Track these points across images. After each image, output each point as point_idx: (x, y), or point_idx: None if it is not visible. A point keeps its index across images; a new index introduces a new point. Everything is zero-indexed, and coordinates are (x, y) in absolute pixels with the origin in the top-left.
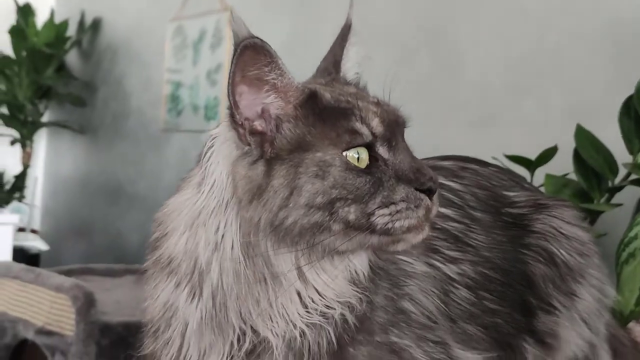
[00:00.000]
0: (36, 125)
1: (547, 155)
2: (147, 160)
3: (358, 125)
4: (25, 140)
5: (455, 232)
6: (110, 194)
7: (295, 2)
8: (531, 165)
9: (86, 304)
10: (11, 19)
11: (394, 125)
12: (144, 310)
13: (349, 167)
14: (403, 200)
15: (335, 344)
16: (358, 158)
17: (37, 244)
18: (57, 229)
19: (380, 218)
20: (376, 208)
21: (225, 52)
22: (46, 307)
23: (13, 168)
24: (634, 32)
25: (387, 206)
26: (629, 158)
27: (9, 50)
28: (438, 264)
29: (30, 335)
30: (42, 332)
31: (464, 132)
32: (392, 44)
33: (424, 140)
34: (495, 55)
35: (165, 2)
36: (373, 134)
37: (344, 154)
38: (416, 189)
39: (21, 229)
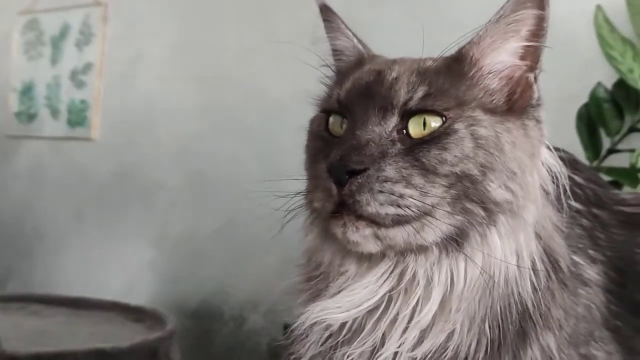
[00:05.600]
0: None
1: None
2: None
3: (335, 90)
4: None
5: (588, 230)
6: None
7: (185, 5)
8: None
9: None
10: None
11: (360, 94)
12: None
13: (313, 131)
14: (313, 177)
15: None
16: (341, 124)
17: None
18: None
19: (308, 194)
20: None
21: (97, 51)
22: None
23: None
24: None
25: (311, 179)
26: None
27: None
28: (590, 265)
29: None
30: None
31: None
32: None
33: None
34: None
35: None
36: (338, 100)
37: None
38: (325, 167)
39: None
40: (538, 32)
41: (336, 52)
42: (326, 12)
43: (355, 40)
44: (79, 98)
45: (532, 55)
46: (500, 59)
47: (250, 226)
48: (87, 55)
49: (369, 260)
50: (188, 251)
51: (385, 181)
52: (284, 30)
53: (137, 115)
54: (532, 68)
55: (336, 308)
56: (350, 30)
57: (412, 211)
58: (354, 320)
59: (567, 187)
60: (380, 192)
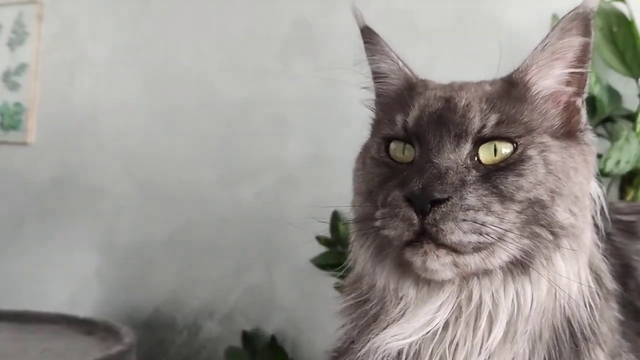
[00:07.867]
0: None
1: None
2: None
3: (398, 117)
4: None
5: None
6: None
7: (128, 1)
8: None
9: None
10: None
11: (432, 121)
12: None
13: (373, 157)
14: (386, 205)
15: None
16: (403, 150)
17: None
18: None
19: (377, 220)
20: (378, 206)
21: (32, 51)
22: None
23: None
24: None
25: (381, 207)
26: None
27: None
28: (607, 275)
29: None
30: None
31: None
32: None
33: None
34: None
35: None
36: (404, 127)
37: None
38: (404, 196)
39: None
40: (584, 58)
41: (380, 75)
42: (368, 35)
43: (400, 63)
44: (12, 100)
45: (578, 81)
46: (551, 85)
47: (203, 233)
48: (21, 55)
49: (427, 284)
50: (138, 259)
51: (468, 209)
52: (236, 28)
53: (78, 119)
54: (580, 93)
55: (399, 334)
56: (394, 52)
57: (492, 238)
58: (409, 345)
59: (605, 208)
60: (464, 220)
